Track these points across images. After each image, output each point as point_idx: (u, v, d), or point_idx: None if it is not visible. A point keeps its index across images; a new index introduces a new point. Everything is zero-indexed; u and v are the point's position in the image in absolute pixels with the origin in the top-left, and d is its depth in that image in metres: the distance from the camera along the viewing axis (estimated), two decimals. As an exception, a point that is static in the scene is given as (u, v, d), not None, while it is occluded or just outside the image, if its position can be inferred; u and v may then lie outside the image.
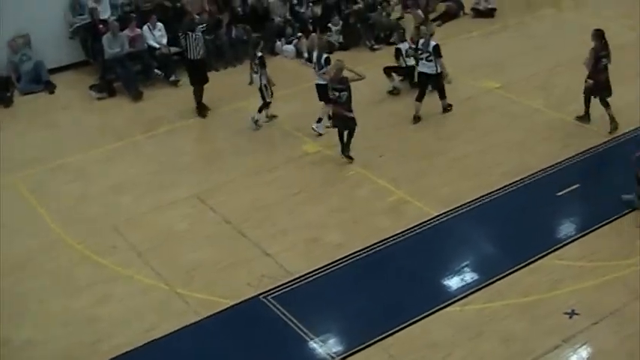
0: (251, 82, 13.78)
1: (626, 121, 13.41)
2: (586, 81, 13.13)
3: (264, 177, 12.32)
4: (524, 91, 14.70)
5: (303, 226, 11.03)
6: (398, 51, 15.06)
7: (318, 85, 13.44)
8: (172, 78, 15.80)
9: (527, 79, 15.17)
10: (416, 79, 14.37)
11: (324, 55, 13.56)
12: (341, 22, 17.27)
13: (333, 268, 10.11)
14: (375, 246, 10.50)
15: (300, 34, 17.19)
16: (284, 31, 17.27)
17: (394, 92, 14.94)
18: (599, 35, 12.90)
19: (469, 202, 11.40)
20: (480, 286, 9.68)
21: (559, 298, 9.46)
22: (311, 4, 18.19)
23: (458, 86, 14.55)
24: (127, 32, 15.54)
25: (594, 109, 13.36)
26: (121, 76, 15.41)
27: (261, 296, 9.62)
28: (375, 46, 17.36)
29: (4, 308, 9.47)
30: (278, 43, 17.24)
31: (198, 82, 14.41)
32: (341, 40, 17.35)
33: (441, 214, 11.16)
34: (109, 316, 9.42)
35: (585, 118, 13.54)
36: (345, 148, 12.51)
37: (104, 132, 14.01)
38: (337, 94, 12.32)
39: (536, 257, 10.15)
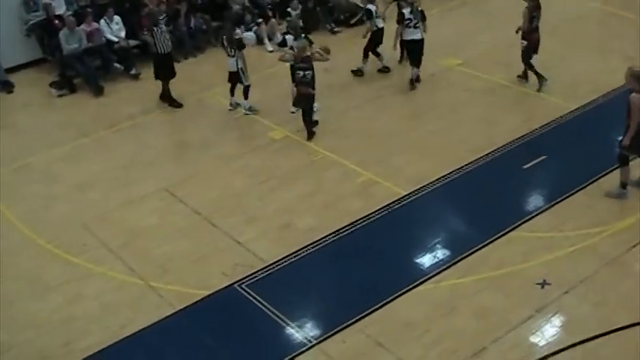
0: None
1: (586, 91, 13.58)
2: (521, 43, 13.48)
3: (231, 166, 12.28)
4: (486, 66, 14.78)
5: (273, 213, 11.02)
6: (368, 13, 14.57)
7: None
8: (133, 71, 15.62)
9: (487, 55, 15.27)
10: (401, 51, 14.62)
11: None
12: (300, 6, 17.20)
13: (306, 253, 10.13)
14: (347, 228, 10.54)
15: (260, 19, 17.09)
16: (243, 19, 17.14)
17: (358, 74, 14.93)
18: None
19: (437, 180, 11.47)
20: (452, 262, 9.77)
21: (530, 269, 9.58)
22: (269, -11, 18.08)
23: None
24: (83, 27, 15.29)
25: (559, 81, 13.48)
26: (81, 71, 15.20)
27: (235, 285, 9.60)
28: (336, 29, 17.32)
29: (-24, 313, 9.36)
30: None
31: (166, 76, 14.26)
32: (301, 24, 17.24)
33: (410, 193, 11.22)
34: (82, 314, 9.34)
35: (541, 78, 13.74)
36: (311, 129, 12.70)
37: (67, 129, 13.83)
38: (302, 73, 12.43)
39: (507, 230, 10.26)
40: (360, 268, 9.82)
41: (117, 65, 15.72)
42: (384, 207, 10.94)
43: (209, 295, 9.48)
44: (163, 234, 10.74)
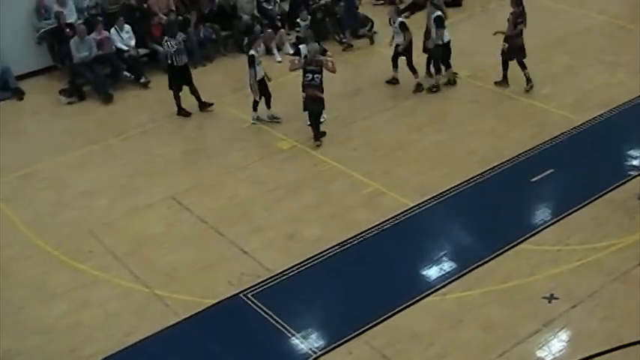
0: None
1: (595, 104, 13.55)
2: (503, 45, 13.98)
3: (238, 175, 12.28)
4: (494, 78, 14.76)
5: (280, 223, 11.01)
6: (402, 25, 14.17)
7: None
8: (142, 80, 15.67)
9: (495, 67, 15.23)
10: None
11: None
12: (309, 17, 17.23)
13: (312, 263, 10.11)
14: (353, 239, 10.52)
15: (269, 30, 17.12)
16: (252, 29, 17.18)
17: (393, 82, 14.87)
18: (518, 2, 13.89)
19: (444, 191, 11.45)
20: (459, 275, 9.74)
21: (537, 283, 9.54)
22: (278, 0, 18.12)
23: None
24: (94, 35, 15.36)
25: (563, 87, 13.45)
26: (91, 79, 15.25)
27: (241, 294, 9.59)
28: (344, 40, 17.34)
29: (-18, 319, 9.38)
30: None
31: (180, 86, 14.20)
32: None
33: (417, 205, 11.20)
34: (88, 321, 9.34)
35: (504, 82, 14.26)
36: (317, 132, 12.77)
37: (76, 136, 13.87)
38: (311, 75, 12.55)
39: (514, 243, 10.23)
40: (366, 279, 9.80)
41: (126, 74, 15.77)
42: (390, 218, 10.92)
43: (214, 304, 9.47)
44: (169, 242, 10.75)
